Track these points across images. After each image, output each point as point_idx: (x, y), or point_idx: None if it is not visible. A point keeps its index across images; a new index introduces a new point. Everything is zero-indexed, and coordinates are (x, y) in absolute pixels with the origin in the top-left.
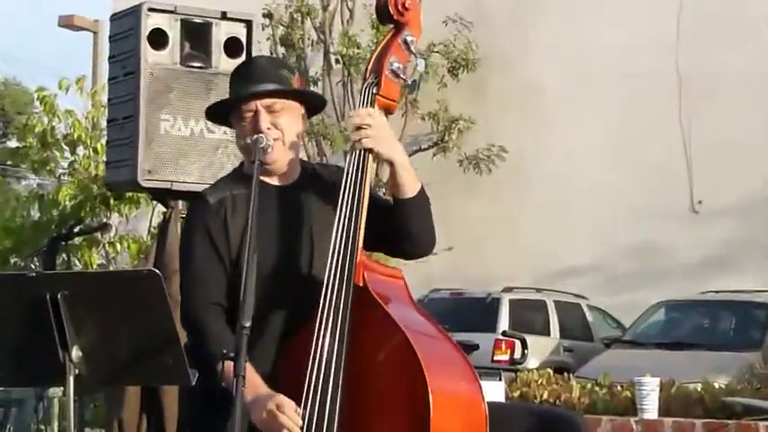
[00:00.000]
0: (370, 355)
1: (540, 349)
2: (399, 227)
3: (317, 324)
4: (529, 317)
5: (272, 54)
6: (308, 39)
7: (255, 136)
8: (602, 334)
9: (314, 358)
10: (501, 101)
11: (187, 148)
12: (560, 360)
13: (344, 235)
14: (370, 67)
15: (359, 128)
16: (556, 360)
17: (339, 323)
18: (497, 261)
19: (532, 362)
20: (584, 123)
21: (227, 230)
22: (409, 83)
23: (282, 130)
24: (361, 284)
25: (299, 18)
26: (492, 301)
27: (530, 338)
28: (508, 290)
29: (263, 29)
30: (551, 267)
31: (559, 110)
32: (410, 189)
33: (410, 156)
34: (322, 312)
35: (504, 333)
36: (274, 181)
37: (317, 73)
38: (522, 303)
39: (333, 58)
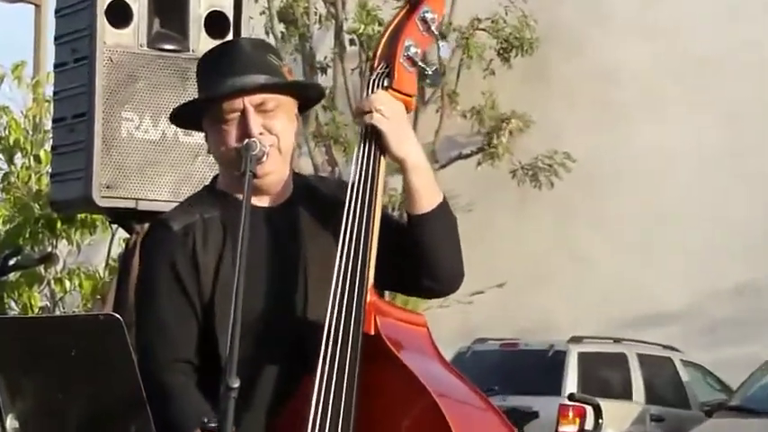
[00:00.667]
0: (385, 423)
1: (619, 418)
2: (413, 253)
3: (317, 384)
4: (604, 375)
5: (267, 33)
6: (315, 13)
7: (246, 141)
8: (702, 398)
9: (314, 427)
10: (566, 93)
11: (157, 156)
12: None
13: (350, 269)
14: (379, 54)
15: (369, 104)
16: None
17: (345, 382)
18: (562, 302)
19: None
20: (677, 124)
21: (197, 266)
22: (430, 72)
23: (278, 135)
24: (372, 333)
25: None
26: (555, 355)
27: (605, 404)
28: (577, 340)
29: (257, 0)
30: (633, 311)
31: (645, 105)
32: (427, 201)
33: (448, 164)
34: (323, 369)
35: (571, 397)
36: (262, 201)
37: (326, 57)
38: (595, 358)
39: (347, 37)
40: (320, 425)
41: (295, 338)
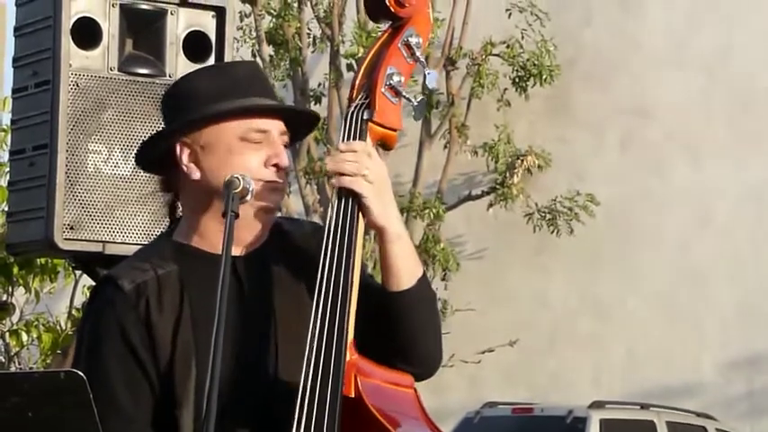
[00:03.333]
0: None
1: None
2: (386, 331)
3: None
4: None
5: (254, 56)
6: (309, 34)
7: (229, 176)
8: None
9: None
10: (590, 128)
11: (127, 194)
12: None
13: (327, 325)
14: (357, 83)
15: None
16: None
17: None
18: (582, 363)
19: None
20: (715, 166)
21: (152, 332)
22: (415, 103)
23: (286, 173)
24: (352, 395)
25: (296, 4)
26: (575, 422)
27: None
28: (598, 405)
29: (242, 19)
30: (662, 374)
31: (679, 144)
32: (407, 276)
33: (456, 206)
34: None
35: None
36: (231, 249)
37: (320, 84)
38: (619, 425)
39: (344, 62)
40: None
41: (265, 403)
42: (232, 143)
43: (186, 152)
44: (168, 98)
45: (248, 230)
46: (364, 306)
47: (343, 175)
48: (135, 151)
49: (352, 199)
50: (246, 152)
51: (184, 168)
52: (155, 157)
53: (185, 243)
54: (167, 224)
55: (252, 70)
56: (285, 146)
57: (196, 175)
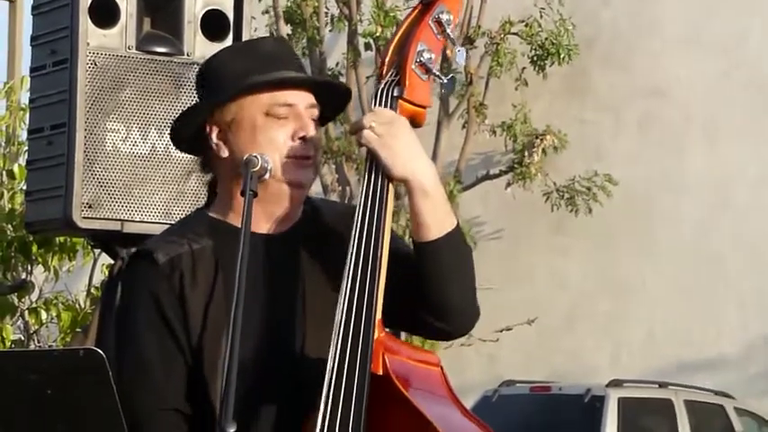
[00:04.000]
0: None
1: None
2: (419, 287)
3: (318, 429)
4: (647, 424)
5: (272, 36)
6: (326, 13)
7: (248, 156)
8: None
9: None
10: (608, 108)
11: (146, 173)
12: None
13: (355, 304)
14: (388, 60)
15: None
16: None
17: (350, 428)
18: (601, 341)
19: None
20: (734, 147)
21: (185, 304)
22: (444, 81)
23: (316, 148)
24: (380, 372)
25: None
26: (593, 401)
27: None
28: (617, 384)
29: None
30: (680, 353)
31: (698, 125)
32: (435, 227)
33: (473, 185)
34: (325, 413)
35: None
36: (262, 227)
37: (338, 64)
38: (637, 404)
39: (362, 41)
40: None
41: (294, 381)
42: (257, 119)
43: (215, 130)
44: (199, 77)
45: (279, 206)
46: (395, 269)
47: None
48: (168, 132)
49: (376, 171)
50: (272, 127)
51: (214, 147)
52: (187, 136)
53: (220, 219)
54: (184, 202)
55: (279, 45)
56: (314, 120)
57: (225, 153)
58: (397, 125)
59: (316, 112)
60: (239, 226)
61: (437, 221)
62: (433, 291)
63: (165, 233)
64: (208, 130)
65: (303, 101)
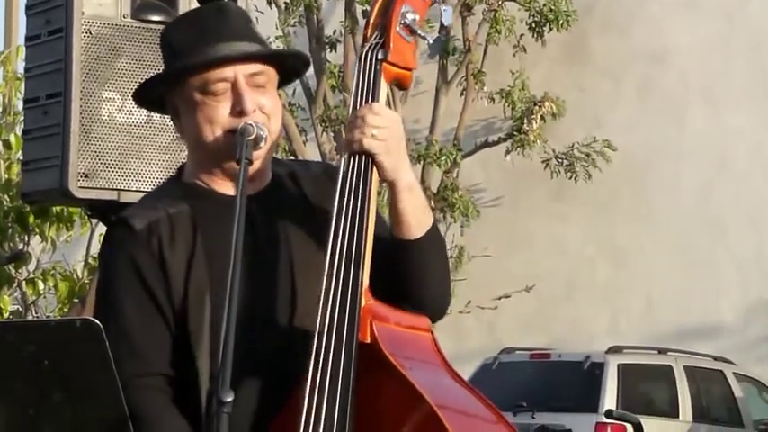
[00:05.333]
0: None
1: None
2: (397, 279)
3: (307, 398)
4: (647, 390)
5: (270, 3)
6: None
7: (243, 123)
8: (756, 415)
9: None
10: (607, 74)
11: (142, 142)
12: None
13: (342, 269)
14: (372, 22)
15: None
16: None
17: (338, 395)
18: (600, 308)
19: None
20: (733, 111)
21: (165, 269)
22: (430, 41)
23: (269, 115)
24: (368, 341)
25: None
26: (592, 367)
27: (647, 421)
28: (616, 350)
29: None
30: (680, 319)
31: (697, 89)
32: (418, 226)
33: (472, 153)
34: (314, 381)
35: (609, 414)
36: (230, 189)
37: (335, 32)
38: (636, 370)
39: (359, 9)
40: None
41: (281, 347)
42: (196, 98)
43: (171, 108)
44: (162, 41)
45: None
46: (375, 253)
47: (351, 142)
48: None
49: (361, 153)
50: (211, 105)
51: (173, 116)
52: (150, 105)
53: (193, 183)
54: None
55: (220, 14)
56: (261, 86)
57: (180, 130)
58: (396, 126)
59: (261, 79)
60: (213, 188)
61: (420, 218)
62: (413, 284)
63: (142, 201)
64: (168, 107)
65: (242, 71)
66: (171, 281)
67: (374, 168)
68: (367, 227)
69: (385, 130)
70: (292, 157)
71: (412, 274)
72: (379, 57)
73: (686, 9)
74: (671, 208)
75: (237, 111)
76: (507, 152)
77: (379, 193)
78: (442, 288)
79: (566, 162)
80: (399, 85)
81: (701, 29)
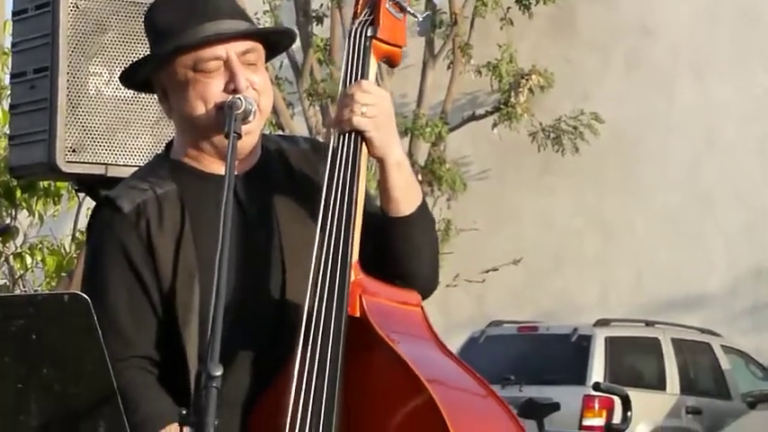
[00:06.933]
0: (372, 412)
1: (651, 410)
2: (386, 255)
3: (297, 372)
4: (634, 362)
5: None
6: None
7: (231, 98)
8: (744, 388)
9: (294, 420)
10: (594, 46)
11: (129, 116)
12: (682, 426)
13: (332, 245)
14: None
15: (349, 104)
16: (675, 426)
17: (327, 370)
18: (588, 281)
19: (641, 429)
20: (721, 83)
21: (153, 251)
22: (420, 18)
23: (260, 92)
24: (357, 314)
25: None
26: (580, 340)
27: (635, 394)
28: (604, 323)
29: None
30: (667, 292)
31: (684, 61)
32: (408, 202)
33: (459, 126)
34: (303, 355)
35: (596, 386)
36: (219, 169)
37: (322, 5)
38: (624, 342)
39: None
40: (301, 415)
41: (271, 323)
42: (187, 75)
43: (158, 88)
44: (146, 22)
45: (240, 152)
46: (366, 229)
47: (341, 121)
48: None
49: (352, 131)
50: (203, 82)
51: (161, 95)
52: (136, 85)
53: (181, 162)
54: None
55: None
56: (252, 64)
57: (168, 109)
58: (386, 102)
59: (251, 56)
60: (200, 168)
61: (410, 194)
62: (402, 262)
63: (129, 180)
64: (154, 86)
65: (233, 49)
66: (159, 263)
67: (363, 145)
68: (356, 202)
69: (374, 107)
70: (279, 131)
71: (401, 251)
72: (369, 33)
73: None
74: (659, 181)
75: (231, 88)
76: (494, 125)
77: (368, 170)
78: (431, 265)
79: (552, 135)
80: (389, 62)
81: (689, 2)
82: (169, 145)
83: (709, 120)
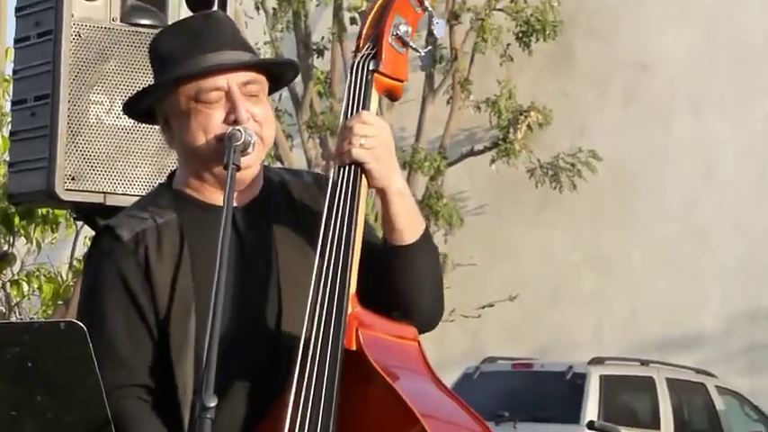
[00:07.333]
0: None
1: None
2: (388, 285)
3: (292, 404)
4: (629, 402)
5: (258, 8)
6: None
7: (231, 129)
8: (738, 429)
9: None
10: (593, 83)
11: (129, 145)
12: None
13: (330, 276)
14: (365, 33)
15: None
16: None
17: (322, 403)
18: (583, 319)
19: None
20: (718, 120)
21: (151, 279)
22: (422, 54)
23: (261, 123)
24: (353, 347)
25: None
26: (574, 378)
27: None
28: (598, 361)
29: None
30: (663, 331)
31: (682, 98)
32: (410, 231)
33: (458, 161)
34: (298, 388)
35: (591, 425)
36: (220, 200)
37: (323, 38)
38: (618, 381)
39: (347, 16)
40: None
41: (267, 353)
42: (190, 106)
43: (161, 117)
44: (151, 52)
45: (240, 183)
46: (365, 260)
47: (341, 154)
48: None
49: (352, 163)
50: (204, 112)
51: (163, 131)
52: (139, 114)
53: (183, 192)
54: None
55: (210, 22)
56: (254, 95)
57: (170, 138)
58: (385, 133)
59: (253, 88)
60: (201, 198)
61: (411, 223)
62: (405, 293)
63: (130, 208)
64: (157, 115)
65: (235, 80)
66: (156, 292)
67: (363, 177)
68: (355, 234)
69: (373, 138)
70: (278, 163)
71: (404, 280)
72: (371, 67)
73: (671, 17)
74: (656, 215)
75: (232, 119)
76: (492, 161)
77: (368, 199)
78: (433, 296)
79: (550, 172)
80: (390, 96)
81: (687, 37)
82: (172, 175)
83: (707, 154)
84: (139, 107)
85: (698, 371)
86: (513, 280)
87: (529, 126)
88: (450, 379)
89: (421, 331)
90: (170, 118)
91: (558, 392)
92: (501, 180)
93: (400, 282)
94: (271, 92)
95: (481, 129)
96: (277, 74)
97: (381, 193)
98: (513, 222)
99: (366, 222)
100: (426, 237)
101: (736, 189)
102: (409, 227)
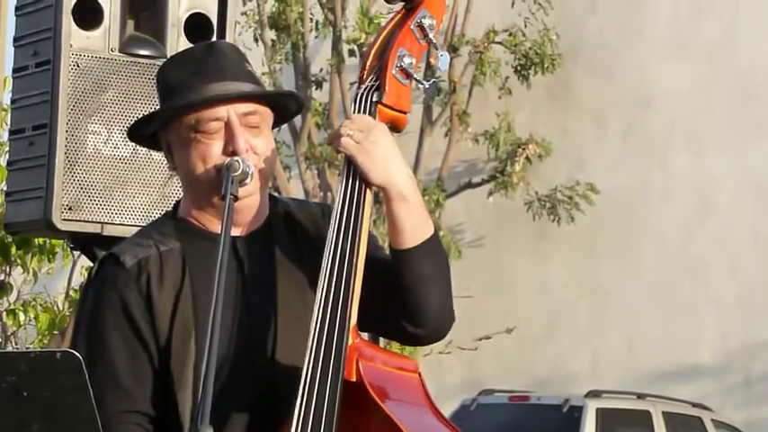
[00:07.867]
0: None
1: None
2: (395, 293)
3: None
4: None
5: (256, 41)
6: (311, 19)
7: (228, 160)
8: None
9: None
10: (591, 117)
11: (127, 175)
12: None
13: (330, 309)
14: (368, 65)
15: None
16: None
17: None
18: (580, 351)
19: None
20: (717, 155)
21: (152, 307)
22: (426, 86)
23: (260, 155)
24: (353, 379)
25: None
26: (571, 411)
27: None
28: (595, 394)
29: (245, 3)
30: (659, 364)
31: (680, 132)
32: (413, 235)
33: (456, 193)
34: (298, 420)
35: None
36: (231, 229)
37: (322, 70)
38: (615, 414)
39: (345, 48)
40: None
41: (266, 385)
42: (191, 135)
43: (164, 145)
44: (158, 80)
45: (242, 213)
46: (371, 275)
47: (332, 141)
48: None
49: (354, 176)
50: (204, 142)
51: (166, 152)
52: (143, 141)
53: (186, 220)
54: (166, 205)
55: (214, 53)
56: (255, 126)
57: (173, 167)
58: (376, 131)
59: (254, 119)
60: (204, 227)
61: (415, 228)
62: (410, 298)
63: (134, 236)
64: (161, 143)
65: (235, 111)
66: (158, 320)
67: (366, 198)
68: (357, 265)
69: (360, 133)
70: (275, 194)
71: (410, 286)
72: (375, 99)
73: (671, 53)
74: (653, 250)
75: (230, 150)
76: (490, 193)
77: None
78: (442, 304)
79: (548, 205)
80: (393, 127)
81: (686, 72)
82: (177, 203)
83: (704, 191)
84: (142, 134)
85: (694, 404)
86: (510, 312)
87: (527, 158)
88: (446, 411)
89: (429, 341)
90: (172, 146)
91: (555, 425)
92: (498, 211)
93: (405, 288)
94: (276, 124)
95: (479, 161)
96: (280, 105)
97: (383, 193)
98: (511, 254)
99: (372, 241)
100: (432, 242)
101: (732, 225)
102: (412, 230)
